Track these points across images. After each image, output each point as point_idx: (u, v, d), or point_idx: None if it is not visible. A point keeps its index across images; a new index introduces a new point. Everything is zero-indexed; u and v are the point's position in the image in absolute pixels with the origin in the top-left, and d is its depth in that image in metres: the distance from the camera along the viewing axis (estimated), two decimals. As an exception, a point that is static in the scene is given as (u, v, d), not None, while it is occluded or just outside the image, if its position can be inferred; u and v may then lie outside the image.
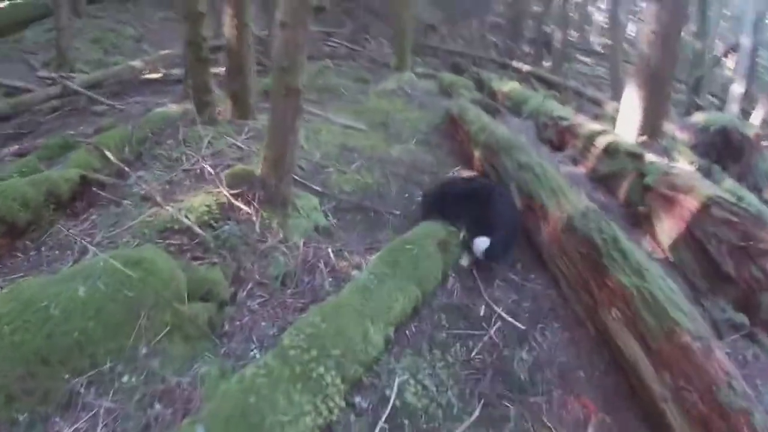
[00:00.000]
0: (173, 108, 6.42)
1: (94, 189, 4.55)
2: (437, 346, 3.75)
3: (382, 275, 3.80)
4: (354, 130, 7.32)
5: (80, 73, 9.32)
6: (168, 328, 3.19)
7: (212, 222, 4.08)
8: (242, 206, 4.19)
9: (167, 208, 4.07)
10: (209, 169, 4.70)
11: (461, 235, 4.63)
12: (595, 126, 7.06)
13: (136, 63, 9.74)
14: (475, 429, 3.25)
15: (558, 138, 7.28)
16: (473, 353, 3.76)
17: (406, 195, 5.83)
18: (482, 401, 3.42)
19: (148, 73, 9.46)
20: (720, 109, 15.50)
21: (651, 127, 6.90)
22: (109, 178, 4.85)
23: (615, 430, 3.46)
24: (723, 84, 19.54)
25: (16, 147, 6.05)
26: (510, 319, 4.09)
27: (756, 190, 7.71)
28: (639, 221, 5.48)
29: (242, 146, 5.50)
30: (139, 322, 3.07)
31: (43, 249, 4.07)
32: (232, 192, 4.24)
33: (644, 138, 6.81)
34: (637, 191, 5.70)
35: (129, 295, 3.07)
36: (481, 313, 4.12)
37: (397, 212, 5.45)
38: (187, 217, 3.98)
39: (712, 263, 4.73)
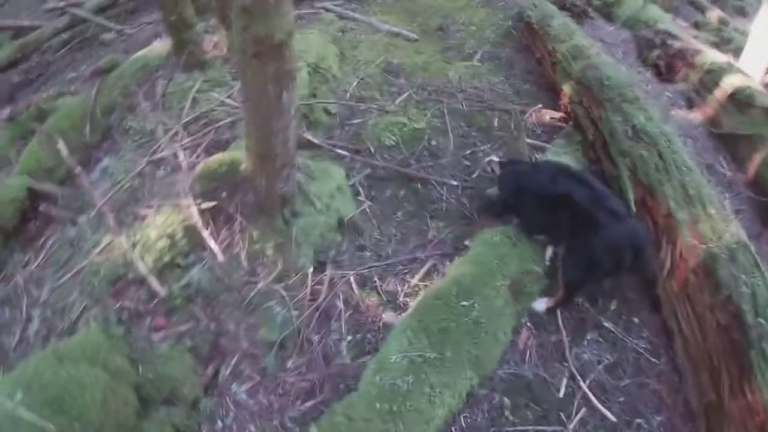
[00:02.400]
0: (157, 48, 4.34)
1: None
2: (495, 456, 2.32)
3: (420, 363, 2.24)
4: (403, 39, 5.15)
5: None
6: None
7: (178, 260, 2.49)
8: (214, 235, 2.55)
9: (121, 239, 2.51)
10: (184, 158, 2.97)
11: (547, 257, 2.91)
12: (718, 56, 4.59)
13: (153, -28, 7.34)
14: None
15: (666, 63, 4.89)
16: (542, 468, 2.29)
17: (468, 152, 3.91)
18: None
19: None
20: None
21: (784, 62, 4.45)
22: (62, 188, 3.30)
23: None
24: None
25: (8, 110, 4.43)
26: (599, 405, 2.52)
27: None
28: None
29: (235, 102, 3.62)
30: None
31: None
32: (205, 205, 2.57)
33: (772, 77, 4.44)
34: (776, 171, 3.62)
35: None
36: (561, 393, 2.55)
37: (455, 182, 3.63)
38: (143, 258, 2.42)
39: None
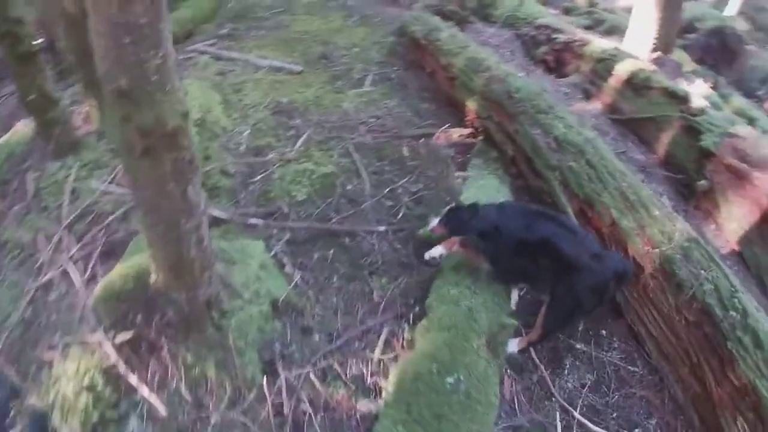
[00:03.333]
0: (21, 131, 3.68)
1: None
2: None
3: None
4: (287, 73, 4.88)
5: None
6: None
7: (109, 415, 2.05)
8: (142, 372, 2.13)
9: (32, 402, 2.01)
10: (78, 274, 2.48)
11: (513, 303, 2.84)
12: (605, 44, 4.98)
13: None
14: None
15: (555, 57, 5.18)
16: None
17: (387, 190, 3.77)
18: None
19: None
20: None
21: (665, 39, 4.94)
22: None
23: None
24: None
25: None
26: (596, 428, 2.58)
27: (754, 97, 6.34)
28: (695, 196, 3.82)
29: (121, 187, 3.14)
30: None
31: None
32: (121, 338, 2.14)
33: (657, 54, 4.89)
34: (683, 149, 3.96)
35: None
36: (559, 429, 2.56)
37: (382, 228, 3.47)
38: (68, 422, 1.95)
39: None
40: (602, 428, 2.59)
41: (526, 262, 2.65)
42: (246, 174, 3.76)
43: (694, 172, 3.83)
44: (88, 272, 2.61)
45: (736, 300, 2.52)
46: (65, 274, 2.60)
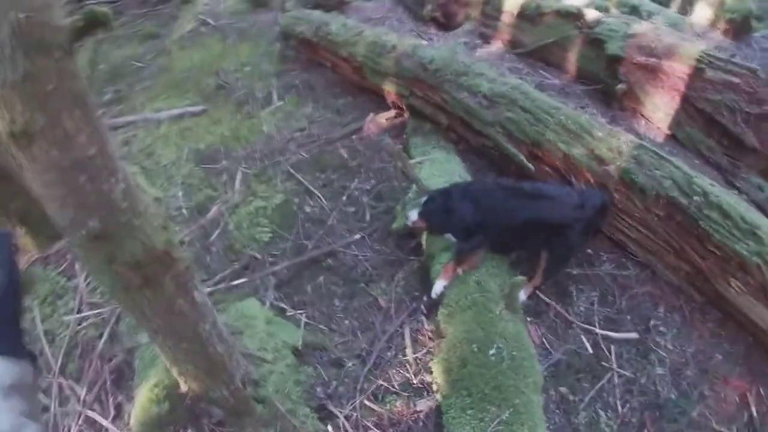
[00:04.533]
0: None
1: None
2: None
3: (503, 430, 2.30)
4: (190, 118, 4.80)
5: None
6: None
7: None
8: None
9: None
10: (101, 418, 2.46)
11: None
12: None
13: None
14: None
15: (443, 12, 5.44)
16: (622, 408, 2.75)
17: (344, 198, 3.95)
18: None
19: None
20: None
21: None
22: None
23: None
24: None
25: None
26: (618, 335, 3.05)
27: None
28: (618, 100, 4.28)
29: (93, 307, 3.07)
30: None
31: None
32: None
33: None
34: (592, 61, 4.41)
35: None
36: (590, 349, 2.99)
37: (358, 236, 3.66)
38: None
39: (729, 135, 3.88)
40: (624, 332, 3.04)
41: (518, 239, 3.01)
42: (201, 236, 3.77)
43: (608, 79, 4.29)
44: (111, 409, 2.59)
45: (694, 185, 2.97)
46: (87, 421, 2.55)
